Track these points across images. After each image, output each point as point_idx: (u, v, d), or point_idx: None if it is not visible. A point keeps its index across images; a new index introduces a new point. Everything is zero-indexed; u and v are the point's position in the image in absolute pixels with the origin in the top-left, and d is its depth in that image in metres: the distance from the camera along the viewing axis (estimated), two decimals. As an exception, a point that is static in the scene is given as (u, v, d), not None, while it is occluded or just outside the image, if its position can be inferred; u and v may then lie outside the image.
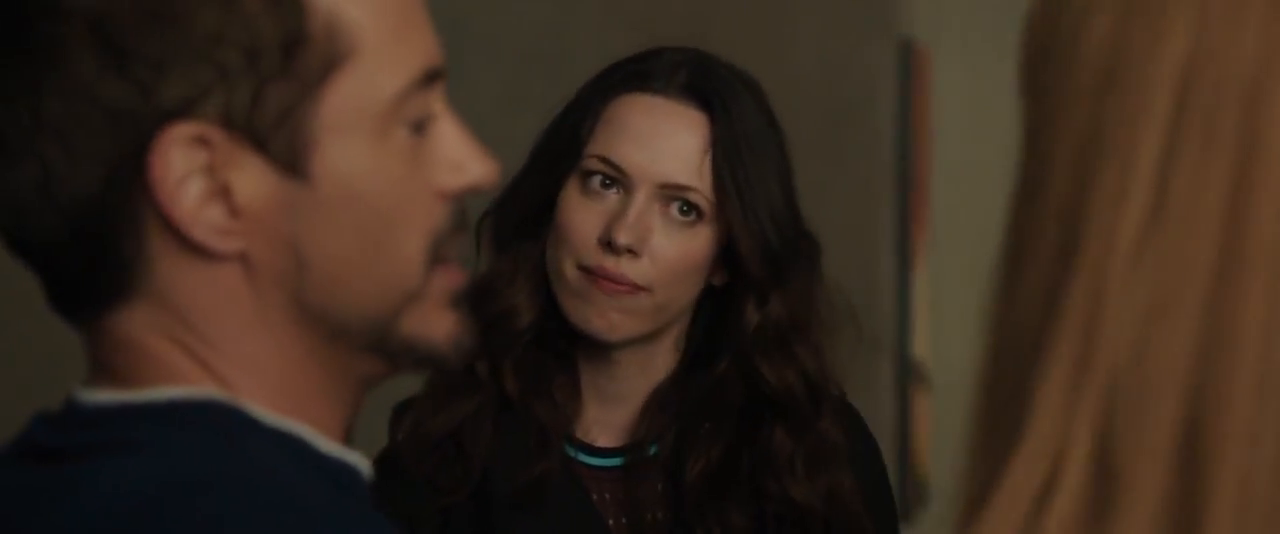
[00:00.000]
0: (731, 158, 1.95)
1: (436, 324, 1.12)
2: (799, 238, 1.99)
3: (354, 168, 1.06)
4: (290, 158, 1.05)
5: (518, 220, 2.00)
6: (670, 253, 1.94)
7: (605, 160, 1.95)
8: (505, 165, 1.16)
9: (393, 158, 1.07)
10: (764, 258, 1.95)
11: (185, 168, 1.03)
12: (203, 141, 1.03)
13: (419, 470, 1.98)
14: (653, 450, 2.00)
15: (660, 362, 2.02)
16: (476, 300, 1.98)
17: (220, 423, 1.06)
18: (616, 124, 1.96)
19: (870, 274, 3.62)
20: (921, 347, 3.80)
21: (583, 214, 1.95)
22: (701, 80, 1.97)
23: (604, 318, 1.95)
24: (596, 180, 1.96)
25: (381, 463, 1.99)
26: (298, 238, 1.06)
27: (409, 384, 2.04)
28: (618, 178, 1.95)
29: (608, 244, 1.93)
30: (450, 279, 1.13)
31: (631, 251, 1.93)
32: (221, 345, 1.07)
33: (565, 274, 1.96)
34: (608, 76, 2.01)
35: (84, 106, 1.02)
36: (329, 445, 1.08)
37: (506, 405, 2.00)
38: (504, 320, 1.98)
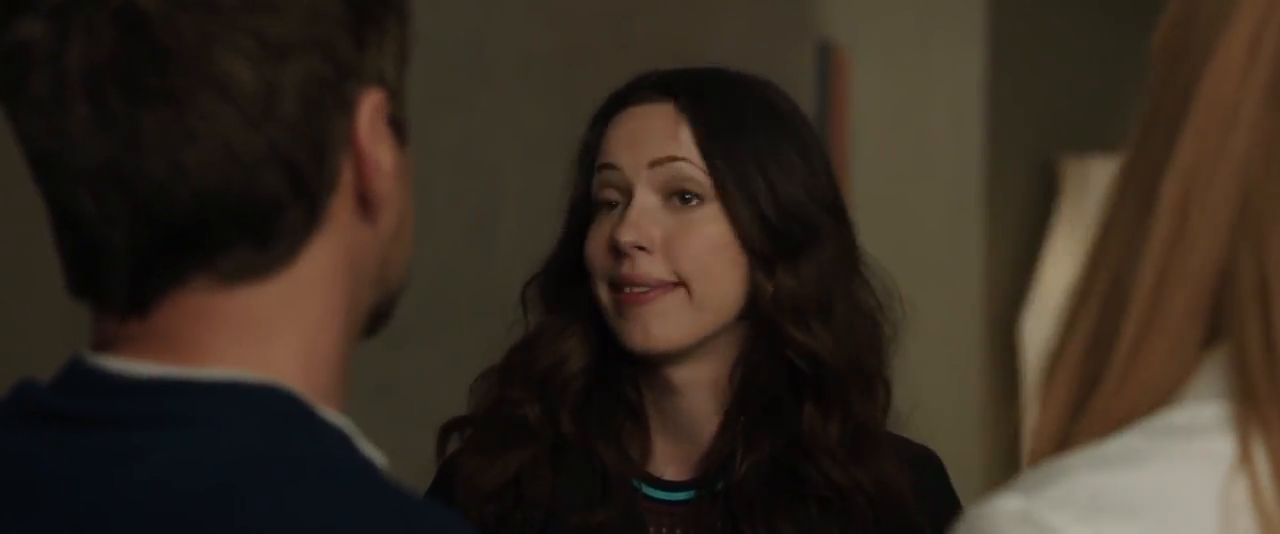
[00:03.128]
0: (709, 130, 1.96)
1: None
2: (816, 217, 1.98)
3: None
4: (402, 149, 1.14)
5: (558, 276, 2.01)
6: (688, 241, 1.94)
7: (601, 168, 1.98)
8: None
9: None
10: (762, 230, 1.95)
11: (376, 128, 1.11)
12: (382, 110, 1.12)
13: (476, 519, 1.97)
14: (719, 484, 1.98)
15: (722, 381, 1.99)
16: (525, 355, 1.99)
17: (282, 407, 1.07)
18: (607, 142, 1.99)
19: (789, 273, 3.64)
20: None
21: (595, 235, 1.97)
22: (669, 76, 2.00)
23: (643, 327, 1.94)
24: (604, 203, 1.98)
25: (433, 493, 2.00)
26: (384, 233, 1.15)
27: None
28: (614, 183, 1.97)
29: (615, 251, 1.94)
30: None
31: (641, 249, 1.93)
32: (299, 334, 1.10)
33: (602, 300, 1.96)
34: (594, 118, 2.03)
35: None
36: (366, 446, 1.10)
37: (561, 448, 1.99)
38: (555, 370, 1.99)
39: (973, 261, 4.85)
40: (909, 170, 4.82)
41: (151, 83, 1.04)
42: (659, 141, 1.96)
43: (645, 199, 1.95)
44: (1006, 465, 4.98)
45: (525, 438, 1.99)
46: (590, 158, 2.01)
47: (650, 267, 1.93)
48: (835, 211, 2.01)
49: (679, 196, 1.96)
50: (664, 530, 2.00)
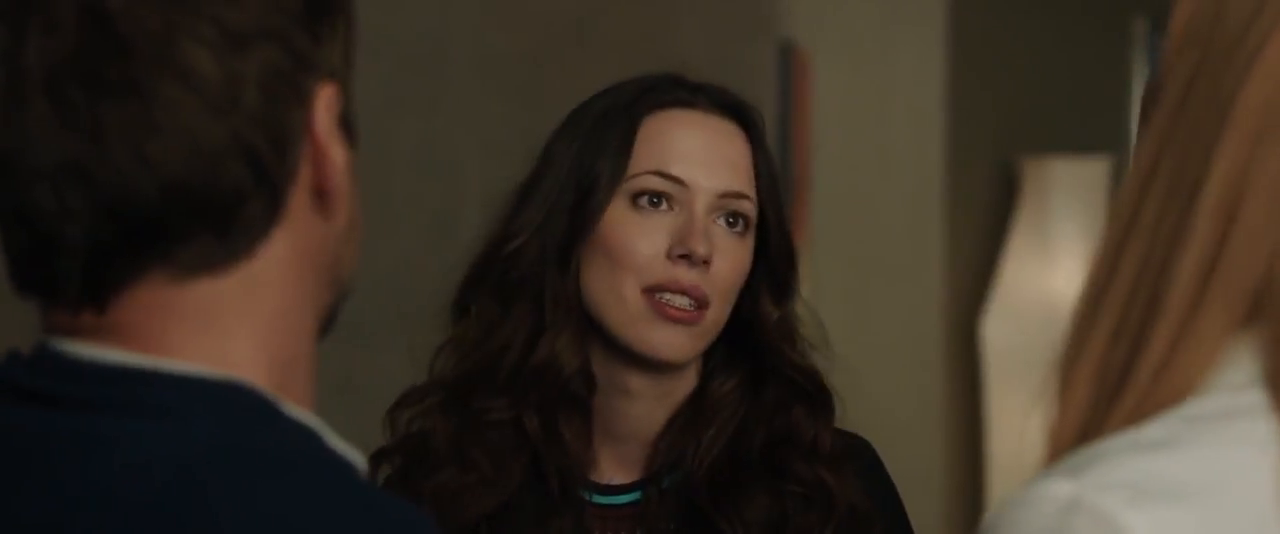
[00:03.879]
0: (767, 165, 1.98)
1: None
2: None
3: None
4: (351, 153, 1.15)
5: (533, 266, 1.95)
6: (727, 265, 1.94)
7: (661, 175, 1.94)
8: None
9: None
10: (787, 257, 1.99)
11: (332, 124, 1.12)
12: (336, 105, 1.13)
13: None
14: (667, 482, 1.97)
15: (679, 392, 1.99)
16: (496, 358, 1.92)
17: (247, 403, 1.08)
18: (664, 140, 1.95)
19: (751, 273, 3.64)
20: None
21: (643, 232, 1.93)
22: (729, 96, 2.00)
23: (671, 344, 1.91)
24: (647, 199, 1.93)
25: None
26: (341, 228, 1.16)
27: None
28: (672, 193, 1.93)
29: (683, 256, 1.91)
30: None
31: (706, 262, 1.91)
32: (257, 328, 1.10)
33: (626, 298, 1.92)
34: (623, 101, 1.98)
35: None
36: (336, 441, 1.10)
37: (537, 462, 1.94)
38: (547, 371, 1.93)
39: (933, 261, 4.86)
40: (870, 170, 4.83)
41: (114, 75, 1.05)
42: (733, 174, 1.96)
43: (706, 213, 1.94)
44: (966, 465, 4.99)
45: (521, 450, 1.94)
46: (621, 143, 1.95)
47: (706, 281, 1.92)
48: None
49: (727, 219, 1.95)
50: None
